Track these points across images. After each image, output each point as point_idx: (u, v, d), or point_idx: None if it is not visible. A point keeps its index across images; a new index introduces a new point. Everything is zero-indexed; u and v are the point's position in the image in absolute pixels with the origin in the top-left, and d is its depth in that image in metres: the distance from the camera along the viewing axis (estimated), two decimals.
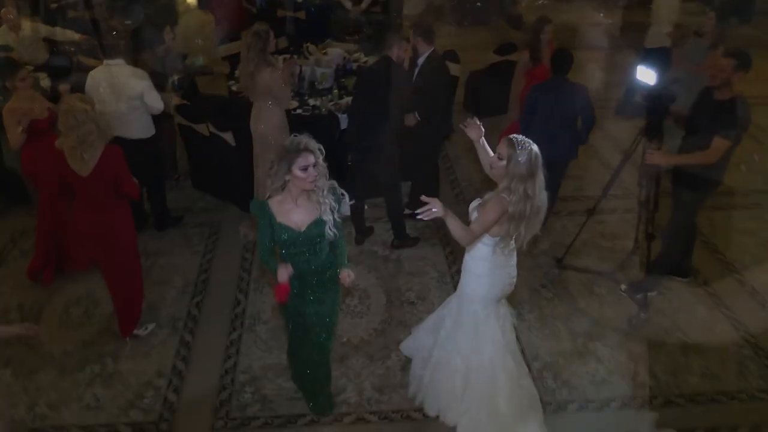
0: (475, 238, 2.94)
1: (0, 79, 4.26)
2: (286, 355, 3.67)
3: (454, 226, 2.83)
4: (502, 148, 2.89)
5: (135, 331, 4.12)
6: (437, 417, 3.52)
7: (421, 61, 4.82)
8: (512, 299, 4.54)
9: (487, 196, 3.03)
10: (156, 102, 4.75)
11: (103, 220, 3.82)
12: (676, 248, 4.44)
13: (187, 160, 5.88)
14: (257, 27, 4.66)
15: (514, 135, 2.89)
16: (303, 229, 2.95)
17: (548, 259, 4.92)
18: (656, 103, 4.05)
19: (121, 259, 3.98)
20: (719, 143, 3.83)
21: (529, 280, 4.70)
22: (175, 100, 5.32)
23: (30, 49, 6.41)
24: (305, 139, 2.84)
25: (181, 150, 5.95)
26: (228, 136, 5.11)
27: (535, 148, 2.86)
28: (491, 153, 3.17)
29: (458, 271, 4.77)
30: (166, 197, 5.32)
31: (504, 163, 2.87)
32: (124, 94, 4.63)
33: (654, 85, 4.03)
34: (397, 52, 4.52)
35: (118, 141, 4.83)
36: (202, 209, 5.60)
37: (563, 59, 4.71)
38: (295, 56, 6.38)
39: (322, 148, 2.88)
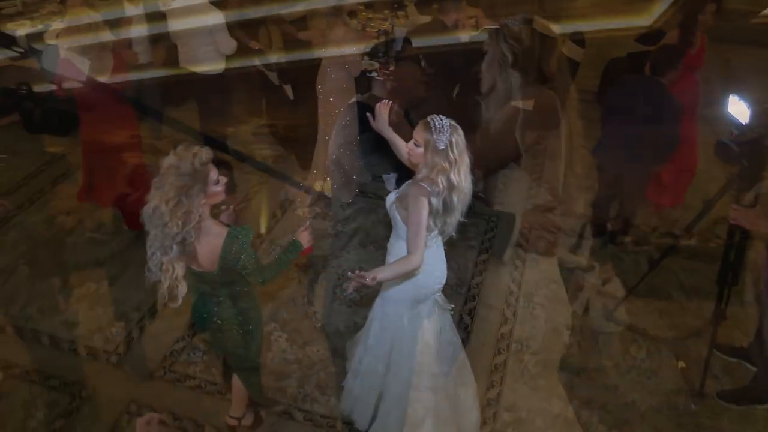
0: (420, 257, 2.52)
1: None
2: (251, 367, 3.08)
3: (394, 272, 2.57)
4: (418, 133, 2.49)
5: None
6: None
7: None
8: (521, 334, 3.85)
9: (402, 188, 2.60)
10: (225, 43, 4.74)
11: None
12: None
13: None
14: None
15: (432, 116, 2.46)
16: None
17: (594, 298, 4.08)
18: (750, 148, 2.99)
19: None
20: None
21: (554, 316, 3.95)
22: (252, 44, 5.28)
23: None
24: (201, 150, 2.38)
25: None
26: (288, 89, 4.97)
27: (459, 133, 2.45)
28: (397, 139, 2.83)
29: (479, 284, 4.22)
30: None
31: (421, 150, 2.48)
32: (195, 27, 4.65)
33: (748, 124, 2.97)
34: (455, 17, 3.95)
35: (188, 73, 4.98)
36: (263, 157, 5.59)
37: (662, 58, 3.77)
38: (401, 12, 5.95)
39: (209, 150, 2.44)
